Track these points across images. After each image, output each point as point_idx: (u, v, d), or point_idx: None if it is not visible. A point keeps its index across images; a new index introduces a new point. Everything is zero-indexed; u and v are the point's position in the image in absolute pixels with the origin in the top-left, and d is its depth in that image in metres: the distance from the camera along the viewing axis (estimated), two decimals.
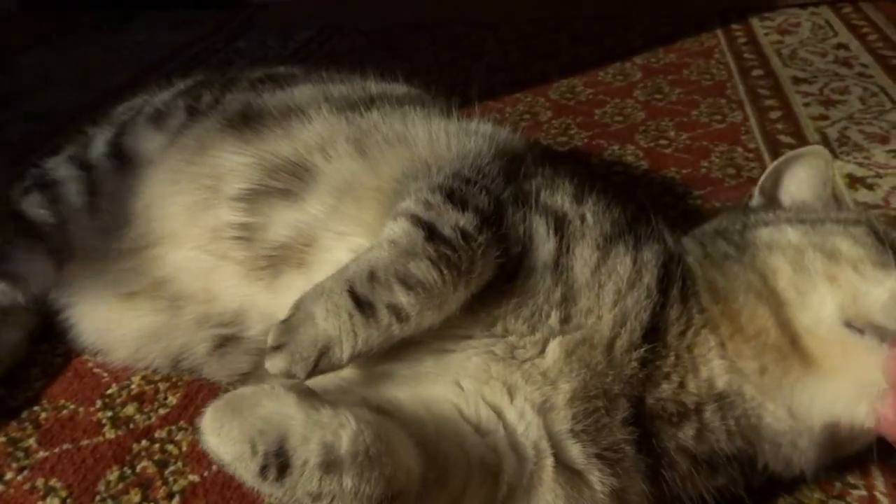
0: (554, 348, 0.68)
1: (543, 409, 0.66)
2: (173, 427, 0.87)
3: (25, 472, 0.82)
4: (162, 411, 0.90)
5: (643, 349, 0.68)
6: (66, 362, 0.98)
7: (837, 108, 1.56)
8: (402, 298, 0.63)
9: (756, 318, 0.70)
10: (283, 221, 0.81)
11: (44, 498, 0.79)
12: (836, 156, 1.38)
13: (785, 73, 1.75)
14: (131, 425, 0.88)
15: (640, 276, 0.71)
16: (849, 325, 0.66)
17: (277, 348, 0.62)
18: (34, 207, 0.97)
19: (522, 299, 0.69)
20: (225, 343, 0.84)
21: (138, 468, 0.82)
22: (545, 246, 0.71)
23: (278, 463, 0.52)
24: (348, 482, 0.53)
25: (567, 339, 0.68)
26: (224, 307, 0.83)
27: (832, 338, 0.67)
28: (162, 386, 0.93)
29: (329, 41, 2.26)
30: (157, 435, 0.86)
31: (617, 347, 0.68)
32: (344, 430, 0.53)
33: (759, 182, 0.86)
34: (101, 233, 0.95)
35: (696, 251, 0.78)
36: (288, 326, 0.63)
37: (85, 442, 0.86)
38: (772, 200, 0.85)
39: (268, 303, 0.80)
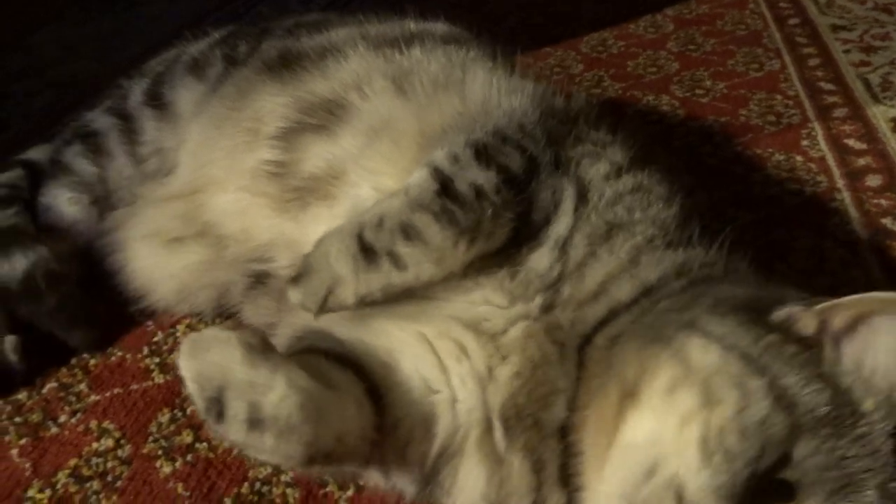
0: (520, 328, 0.65)
1: (484, 381, 0.65)
2: None
3: (78, 415, 0.84)
4: None
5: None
6: (111, 311, 0.98)
7: (879, 53, 1.52)
8: (402, 248, 0.63)
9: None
10: (315, 154, 0.81)
11: (98, 439, 0.80)
12: (878, 101, 1.34)
13: (823, 20, 1.71)
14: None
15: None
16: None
17: (296, 281, 0.64)
18: (76, 158, 0.98)
19: (516, 271, 0.67)
20: (258, 281, 0.84)
21: (189, 410, 0.83)
22: (564, 220, 0.68)
23: (216, 409, 0.55)
24: (269, 441, 0.55)
25: (537, 325, 0.65)
26: (258, 242, 0.84)
27: None
28: None
29: (350, 5, 2.23)
30: None
31: (569, 346, 0.64)
32: (272, 394, 0.55)
33: (822, 309, 0.55)
34: (143, 181, 0.96)
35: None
36: (306, 262, 0.65)
37: (135, 386, 0.87)
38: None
39: (294, 235, 0.80)
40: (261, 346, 0.58)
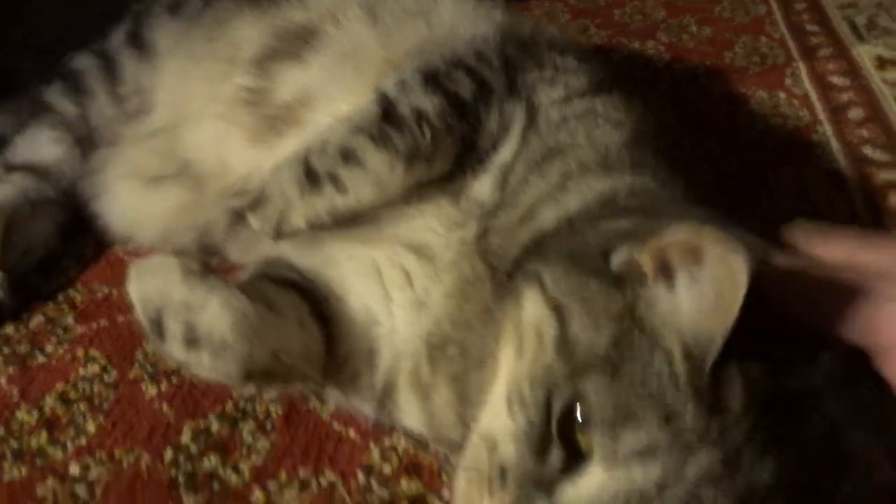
0: (455, 251, 0.66)
1: (421, 309, 0.66)
2: None
3: (65, 346, 0.84)
4: None
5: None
6: (97, 252, 0.99)
7: None
8: (342, 172, 0.65)
9: None
10: (288, 82, 0.82)
11: (84, 366, 0.81)
12: (863, 40, 1.34)
13: None
14: None
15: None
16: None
17: (252, 208, 0.67)
18: (57, 97, 0.98)
19: (458, 198, 0.67)
20: (240, 217, 0.84)
21: None
22: (510, 146, 0.68)
23: (158, 329, 0.57)
24: (206, 358, 0.56)
25: (471, 248, 0.65)
26: (236, 175, 0.85)
27: None
28: None
29: None
30: None
31: (501, 272, 0.62)
32: (205, 313, 0.56)
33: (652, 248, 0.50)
34: (125, 120, 0.96)
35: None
36: (262, 189, 0.67)
37: (121, 319, 0.88)
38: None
39: (270, 165, 0.80)
40: (200, 270, 0.59)
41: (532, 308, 0.53)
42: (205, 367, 0.57)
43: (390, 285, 0.67)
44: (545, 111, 0.70)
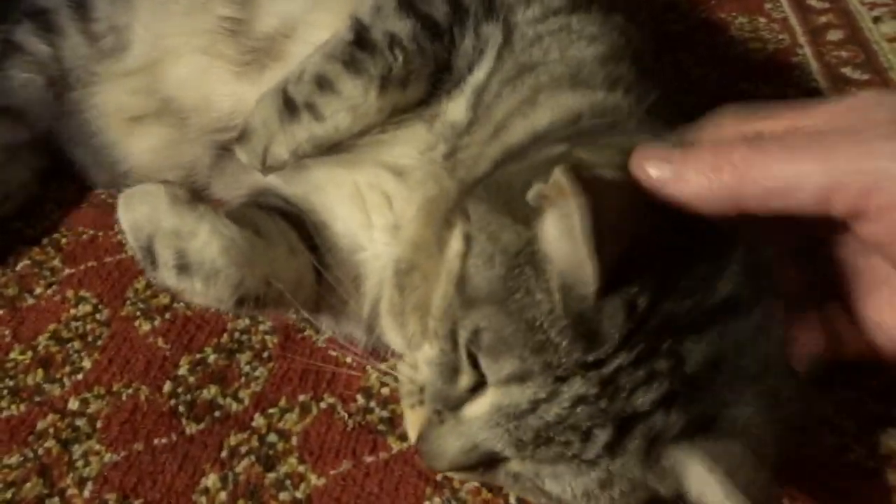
0: (425, 170, 0.67)
1: (395, 230, 0.67)
2: None
3: (54, 287, 0.84)
4: None
5: None
6: (79, 196, 0.97)
7: None
8: (318, 99, 0.65)
9: None
10: (268, 12, 0.80)
11: (75, 306, 0.81)
12: None
13: None
14: None
15: None
16: None
17: (239, 141, 0.68)
18: (27, 36, 0.95)
19: (433, 122, 0.68)
20: (225, 150, 0.84)
21: None
22: (484, 66, 0.68)
23: (149, 258, 0.58)
24: (198, 284, 0.57)
25: (440, 167, 0.66)
26: (219, 111, 0.83)
27: None
28: None
29: None
30: None
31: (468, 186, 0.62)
32: (195, 240, 0.57)
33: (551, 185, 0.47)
34: (100, 59, 0.93)
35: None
36: (246, 122, 0.68)
37: (109, 259, 0.87)
38: None
39: (254, 98, 0.79)
40: (187, 198, 0.59)
41: (453, 243, 0.55)
42: (197, 293, 0.57)
43: (371, 209, 0.68)
44: (520, 29, 0.70)
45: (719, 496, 0.45)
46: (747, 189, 0.43)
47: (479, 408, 0.50)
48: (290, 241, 0.65)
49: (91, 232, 0.92)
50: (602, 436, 0.47)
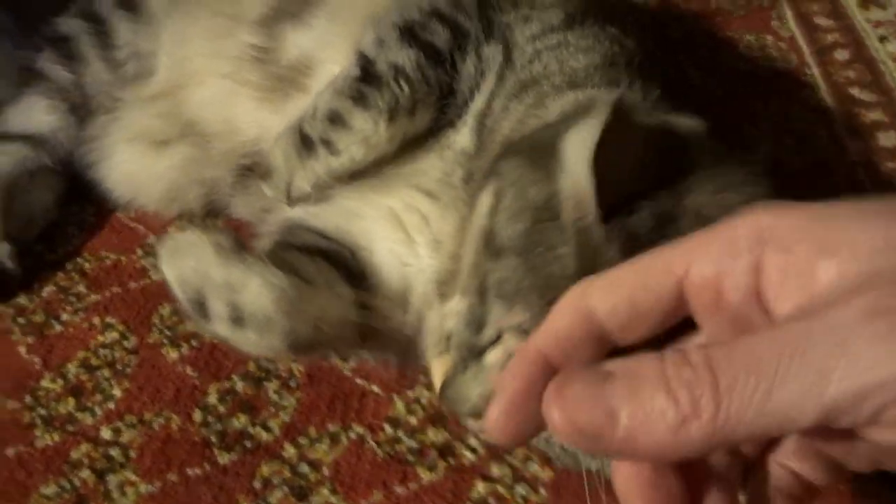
0: (449, 195, 0.69)
1: (436, 245, 0.69)
2: None
3: (80, 314, 0.85)
4: None
5: None
6: (100, 219, 0.98)
7: None
8: (332, 135, 0.69)
9: None
10: (291, 44, 0.83)
11: (102, 332, 0.83)
12: None
13: None
14: None
15: None
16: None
17: (264, 177, 0.72)
18: (49, 65, 0.96)
19: (442, 152, 0.71)
20: (248, 170, 0.86)
21: None
22: (486, 89, 0.71)
23: (200, 309, 0.58)
24: (252, 335, 0.58)
25: (460, 191, 0.69)
26: (244, 138, 0.85)
27: None
28: None
29: None
30: None
31: None
32: (247, 292, 0.58)
33: None
34: (123, 85, 0.95)
35: None
36: (269, 158, 0.72)
37: (133, 285, 0.89)
38: None
39: (278, 128, 0.81)
40: (233, 247, 0.60)
41: (483, 200, 0.57)
42: (251, 343, 0.58)
43: (411, 228, 0.71)
44: (520, 47, 0.72)
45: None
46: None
47: (498, 355, 0.53)
48: (331, 280, 0.67)
49: (113, 256, 0.93)
50: None
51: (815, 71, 1.13)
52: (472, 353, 0.55)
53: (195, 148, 0.90)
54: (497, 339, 0.53)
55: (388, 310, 0.69)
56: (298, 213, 0.74)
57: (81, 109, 0.96)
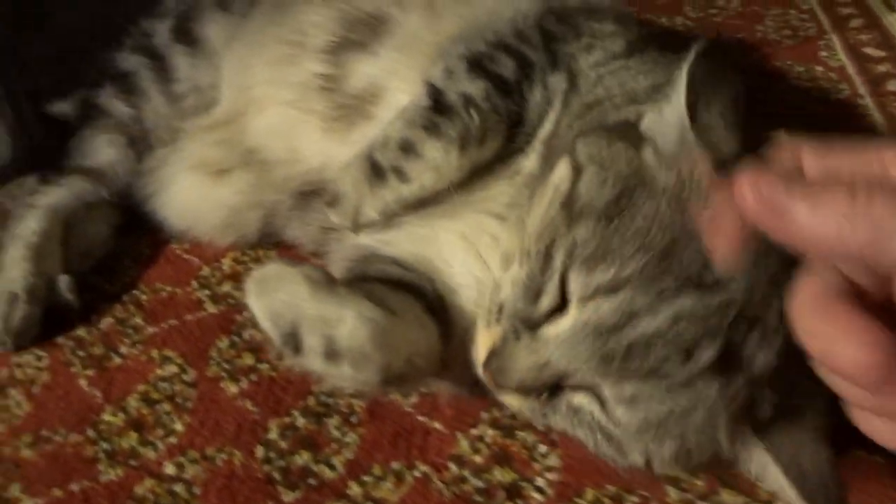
0: (517, 215, 0.69)
1: (506, 259, 0.69)
2: None
3: (139, 346, 0.86)
4: None
5: None
6: (155, 251, 1.00)
7: None
8: (403, 163, 0.70)
9: None
10: (358, 72, 0.84)
11: (161, 366, 0.83)
12: (893, 9, 1.34)
13: None
14: (231, 301, 0.91)
15: None
16: None
17: (331, 205, 0.72)
18: (110, 100, 0.98)
19: (513, 180, 0.71)
20: (306, 197, 0.87)
21: (246, 335, 0.85)
22: (552, 116, 0.72)
23: (293, 343, 0.58)
24: (347, 370, 0.58)
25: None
26: (308, 165, 0.86)
27: None
28: (253, 266, 0.96)
29: None
30: None
31: None
32: (343, 327, 0.57)
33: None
34: (181, 117, 0.96)
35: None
36: (336, 186, 0.72)
37: (189, 317, 0.89)
38: None
39: (343, 156, 0.82)
40: (324, 280, 0.60)
41: (559, 170, 0.60)
42: (345, 378, 0.58)
43: (482, 249, 0.71)
44: (584, 74, 0.74)
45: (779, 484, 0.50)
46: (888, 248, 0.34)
47: (558, 328, 0.53)
48: (416, 312, 0.66)
49: (169, 288, 0.94)
50: (706, 354, 0.49)
51: (868, 101, 1.11)
52: (527, 324, 0.55)
53: (255, 174, 0.91)
54: (553, 313, 0.54)
55: (464, 335, 0.68)
56: (369, 240, 0.74)
57: (140, 143, 0.98)
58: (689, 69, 0.53)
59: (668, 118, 0.56)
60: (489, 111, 0.70)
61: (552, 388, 0.55)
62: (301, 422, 0.75)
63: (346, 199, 0.72)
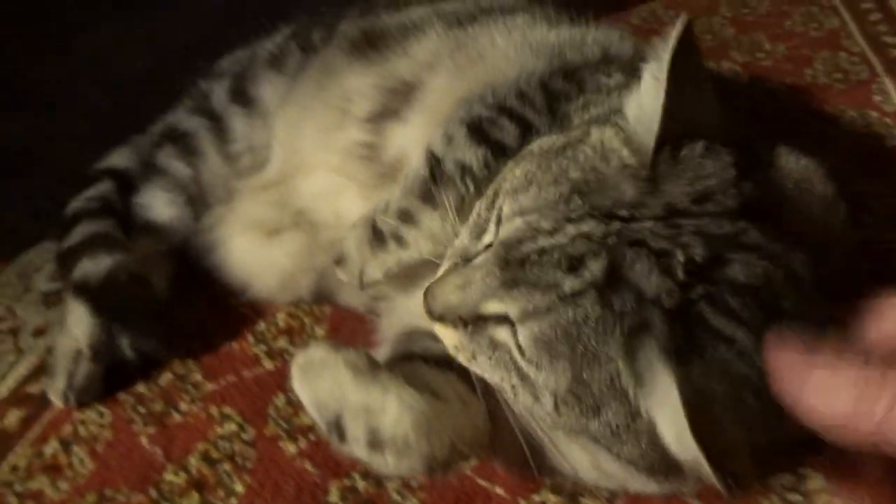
0: None
1: None
2: None
3: (198, 403, 0.87)
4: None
5: None
6: (209, 305, 1.01)
7: None
8: (401, 230, 0.73)
9: None
10: (393, 141, 0.86)
11: (221, 424, 0.84)
12: None
13: None
14: (286, 356, 0.92)
15: None
16: None
17: (338, 264, 0.78)
18: (169, 159, 1.01)
19: None
20: None
21: None
22: None
23: (337, 432, 0.58)
24: (390, 459, 0.58)
25: None
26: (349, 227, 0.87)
27: None
28: (307, 320, 0.97)
29: None
30: None
31: None
32: (386, 416, 0.57)
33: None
34: (237, 177, 0.98)
35: None
36: (343, 247, 0.78)
37: (246, 373, 0.90)
38: None
39: None
40: (367, 367, 0.60)
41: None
42: (389, 466, 0.58)
43: None
44: (576, 125, 0.72)
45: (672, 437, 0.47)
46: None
47: (485, 255, 0.56)
48: (460, 392, 0.65)
49: (227, 343, 0.95)
50: (593, 267, 0.50)
51: None
52: (465, 258, 0.58)
53: (306, 236, 0.92)
54: (488, 248, 0.56)
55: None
56: (412, 315, 0.74)
57: (198, 201, 1.00)
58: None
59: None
60: (485, 179, 0.71)
61: (476, 319, 0.56)
62: (361, 484, 0.75)
63: (350, 259, 0.77)
